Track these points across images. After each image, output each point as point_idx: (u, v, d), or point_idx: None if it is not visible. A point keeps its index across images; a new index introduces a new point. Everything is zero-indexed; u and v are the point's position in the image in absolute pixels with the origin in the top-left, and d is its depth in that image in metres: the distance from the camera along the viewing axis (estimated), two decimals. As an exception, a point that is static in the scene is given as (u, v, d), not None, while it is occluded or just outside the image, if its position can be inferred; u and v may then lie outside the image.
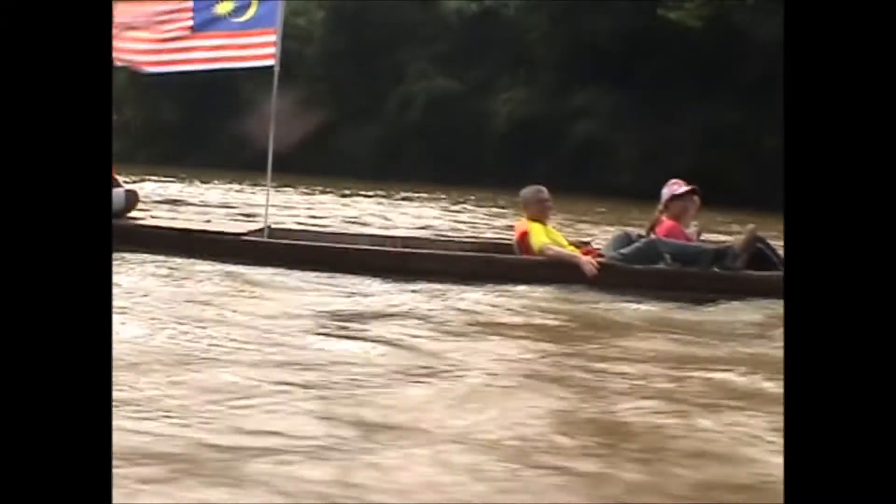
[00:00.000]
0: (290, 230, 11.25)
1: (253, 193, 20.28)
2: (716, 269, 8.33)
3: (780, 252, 7.91)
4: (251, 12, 10.03)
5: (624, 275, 8.30)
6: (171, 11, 10.01)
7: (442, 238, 11.60)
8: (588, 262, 8.34)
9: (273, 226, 10.87)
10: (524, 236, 8.86)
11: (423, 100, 43.45)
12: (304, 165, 37.89)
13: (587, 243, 9.36)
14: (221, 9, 10.00)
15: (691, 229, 9.11)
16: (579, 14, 38.39)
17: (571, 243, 9.14)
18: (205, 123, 44.35)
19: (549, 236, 8.87)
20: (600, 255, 8.73)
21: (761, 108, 32.92)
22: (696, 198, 9.07)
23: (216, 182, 25.92)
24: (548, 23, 40.44)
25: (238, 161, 35.42)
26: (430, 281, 8.56)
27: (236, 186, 24.76)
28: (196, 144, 43.09)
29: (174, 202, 20.17)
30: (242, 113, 33.59)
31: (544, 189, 9.19)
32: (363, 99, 44.53)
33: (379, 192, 25.72)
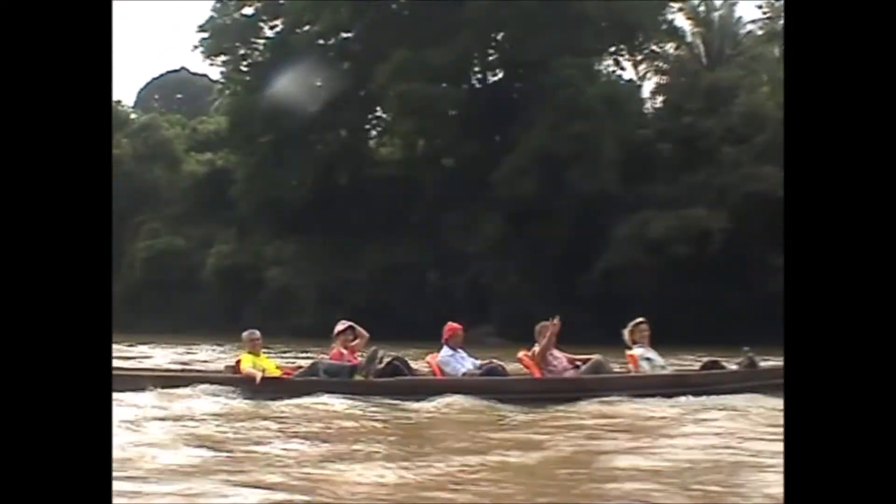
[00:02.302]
0: None
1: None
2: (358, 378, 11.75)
3: (414, 366, 12.14)
4: None
5: (283, 384, 11.85)
6: None
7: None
8: (256, 377, 11.70)
9: None
10: (238, 363, 12.39)
11: (146, 256, 47.56)
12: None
13: (298, 367, 13.21)
14: None
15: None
16: (267, 169, 43.31)
17: (279, 367, 12.94)
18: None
19: (255, 362, 12.25)
20: (289, 373, 12.55)
21: (427, 246, 37.41)
22: (359, 330, 12.60)
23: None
24: (244, 180, 44.85)
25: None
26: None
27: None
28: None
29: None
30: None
31: (256, 332, 12.80)
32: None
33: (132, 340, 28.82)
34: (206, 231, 46.84)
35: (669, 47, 41.08)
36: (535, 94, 35.61)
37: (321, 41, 43.43)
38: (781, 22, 39.88)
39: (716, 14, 40.79)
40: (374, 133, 46.29)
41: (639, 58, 40.82)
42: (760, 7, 41.47)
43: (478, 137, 38.90)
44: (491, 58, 41.49)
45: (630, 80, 40.74)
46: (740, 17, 42.03)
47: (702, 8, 40.81)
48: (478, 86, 41.44)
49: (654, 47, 40.88)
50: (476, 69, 41.40)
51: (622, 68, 41.14)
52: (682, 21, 41.04)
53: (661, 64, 40.42)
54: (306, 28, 43.16)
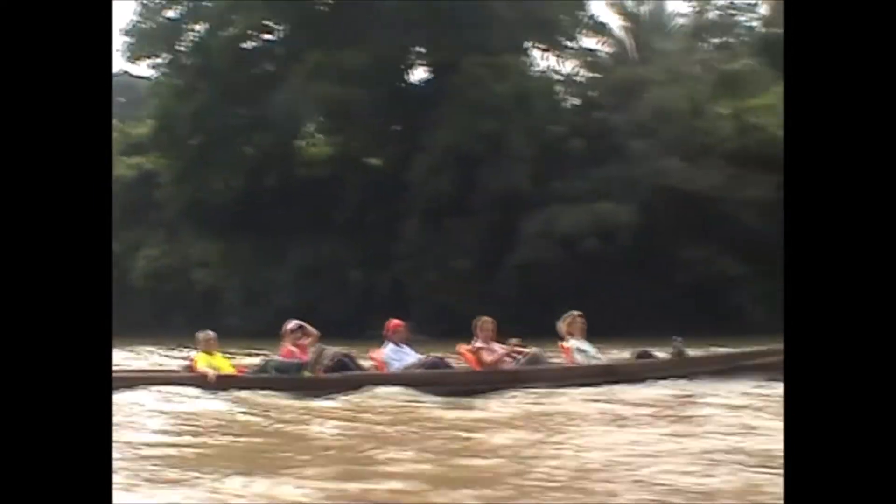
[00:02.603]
0: None
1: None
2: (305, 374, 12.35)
3: (362, 362, 12.70)
4: None
5: (235, 380, 12.43)
6: None
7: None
8: (211, 374, 12.20)
9: None
10: (193, 362, 12.92)
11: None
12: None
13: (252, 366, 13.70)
14: None
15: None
16: (194, 171, 43.27)
17: (233, 365, 13.45)
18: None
19: (209, 361, 12.78)
20: (243, 371, 13.11)
21: (350, 245, 38.07)
22: (308, 328, 13.22)
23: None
24: (171, 183, 44.81)
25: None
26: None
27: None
28: None
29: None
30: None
31: (210, 332, 13.31)
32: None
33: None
34: (136, 234, 46.64)
35: (595, 43, 41.10)
36: (450, 93, 36.05)
37: (245, 44, 43.33)
38: (709, 15, 40.31)
39: (644, 8, 40.75)
40: (301, 134, 45.97)
41: (563, 54, 40.82)
42: (689, 1, 41.71)
43: (400, 138, 39.27)
44: (409, 58, 41.69)
45: (567, 77, 40.50)
46: (671, 12, 41.89)
47: (630, 2, 40.83)
48: (399, 86, 41.54)
49: (574, 43, 41.00)
50: (397, 69, 41.50)
51: (539, 65, 41.19)
52: (609, 16, 41.06)
53: (587, 59, 40.36)
54: (230, 31, 42.69)
